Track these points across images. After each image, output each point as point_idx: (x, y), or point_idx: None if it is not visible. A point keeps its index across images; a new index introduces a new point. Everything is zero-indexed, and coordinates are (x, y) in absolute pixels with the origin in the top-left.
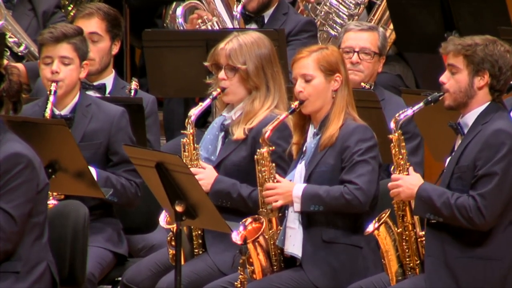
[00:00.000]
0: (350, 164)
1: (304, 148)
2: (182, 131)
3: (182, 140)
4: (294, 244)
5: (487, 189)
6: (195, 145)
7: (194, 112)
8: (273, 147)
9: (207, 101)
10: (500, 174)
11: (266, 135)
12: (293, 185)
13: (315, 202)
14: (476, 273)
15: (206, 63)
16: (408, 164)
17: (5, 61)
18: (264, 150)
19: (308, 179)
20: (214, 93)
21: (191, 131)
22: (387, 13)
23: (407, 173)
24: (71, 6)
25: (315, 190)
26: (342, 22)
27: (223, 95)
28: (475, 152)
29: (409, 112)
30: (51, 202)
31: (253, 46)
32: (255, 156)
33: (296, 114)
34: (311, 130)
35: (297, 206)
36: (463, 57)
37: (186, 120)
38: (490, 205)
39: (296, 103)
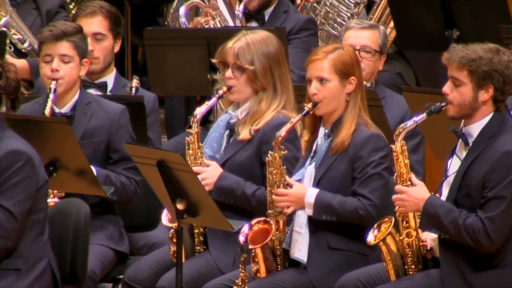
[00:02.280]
0: (364, 177)
1: (315, 147)
2: (187, 130)
3: (186, 138)
4: (300, 249)
5: (496, 213)
6: (200, 143)
7: (200, 111)
8: (286, 151)
9: (213, 100)
10: (509, 198)
11: (280, 138)
12: (305, 191)
13: (327, 212)
14: (493, 283)
15: (213, 60)
16: (411, 173)
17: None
18: (276, 154)
19: (318, 182)
20: (220, 92)
21: (196, 130)
22: (387, 11)
23: (410, 183)
24: (73, 4)
25: (329, 200)
26: (342, 21)
27: (229, 93)
28: (484, 171)
29: (412, 123)
30: (52, 200)
31: (261, 46)
32: (266, 158)
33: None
34: (322, 130)
35: (309, 211)
36: (467, 72)
37: (192, 119)
38: (498, 229)
39: (310, 105)
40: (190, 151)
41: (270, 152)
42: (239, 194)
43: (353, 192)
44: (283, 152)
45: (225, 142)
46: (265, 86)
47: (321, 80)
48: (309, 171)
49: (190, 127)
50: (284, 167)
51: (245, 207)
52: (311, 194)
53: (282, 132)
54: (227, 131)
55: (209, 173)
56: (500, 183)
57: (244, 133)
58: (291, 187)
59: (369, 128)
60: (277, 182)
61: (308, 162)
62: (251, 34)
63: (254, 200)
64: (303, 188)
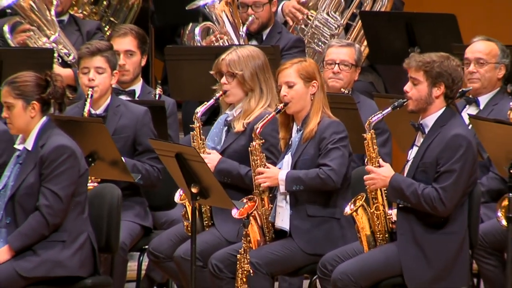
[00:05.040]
0: (325, 150)
1: (290, 142)
2: (190, 125)
3: (191, 133)
4: (282, 220)
5: (448, 184)
6: (202, 136)
7: (200, 109)
8: (263, 140)
9: (211, 101)
10: (458, 171)
11: (257, 131)
12: (279, 171)
13: (296, 183)
14: (439, 245)
15: (211, 72)
16: (379, 157)
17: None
18: (255, 143)
19: (294, 166)
20: (217, 95)
21: (198, 124)
22: (361, 32)
23: (378, 165)
24: (107, 27)
25: (296, 173)
26: (325, 40)
27: (225, 96)
28: (437, 151)
29: (379, 115)
30: (91, 184)
31: (247, 55)
32: (249, 148)
33: (281, 114)
34: (295, 127)
35: (282, 187)
36: (423, 72)
37: (194, 116)
38: (450, 197)
39: (281, 105)
40: (195, 143)
41: (251, 143)
42: (235, 174)
43: (317, 165)
44: (262, 141)
45: (224, 136)
46: (252, 88)
47: (289, 84)
48: (286, 159)
49: (193, 123)
50: (263, 154)
51: (240, 185)
52: (283, 172)
53: (259, 125)
54: (225, 127)
55: (210, 158)
56: (450, 159)
57: (238, 126)
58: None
59: (331, 118)
60: (259, 167)
61: (286, 154)
62: (240, 48)
63: (247, 179)
64: (277, 170)
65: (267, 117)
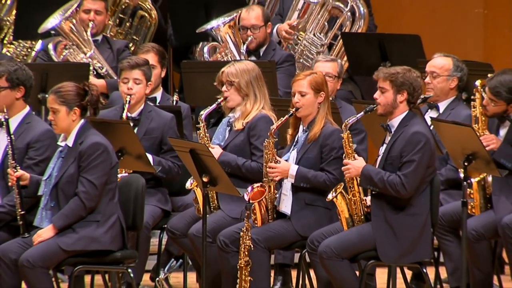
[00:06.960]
0: (330, 158)
1: (296, 139)
2: (196, 125)
3: (197, 132)
4: (286, 206)
5: (408, 171)
6: (207, 134)
7: (204, 112)
8: (277, 138)
9: (213, 105)
10: (417, 161)
11: (273, 130)
12: (289, 166)
13: (304, 181)
14: (406, 225)
15: (214, 83)
16: (354, 152)
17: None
18: (270, 140)
19: (298, 161)
20: (219, 100)
21: (202, 125)
22: (342, 49)
23: (354, 159)
24: (131, 44)
25: (305, 173)
26: (312, 56)
27: (226, 102)
28: (401, 146)
29: (354, 118)
30: (123, 174)
31: (243, 68)
32: (264, 143)
33: (292, 116)
34: (301, 127)
35: (291, 180)
36: (389, 82)
37: (198, 117)
38: (410, 182)
39: (294, 109)
40: (201, 141)
41: (266, 139)
42: (233, 165)
43: (321, 168)
44: (275, 139)
45: (226, 134)
46: (248, 93)
47: (301, 93)
48: (292, 154)
49: (199, 123)
50: (275, 150)
51: (238, 174)
52: (293, 168)
53: (275, 126)
54: (228, 127)
55: (213, 152)
56: (411, 152)
57: (238, 125)
58: (279, 162)
59: (333, 126)
60: (270, 160)
61: (292, 148)
62: (236, 62)
63: (244, 169)
64: (287, 164)
65: (281, 119)
